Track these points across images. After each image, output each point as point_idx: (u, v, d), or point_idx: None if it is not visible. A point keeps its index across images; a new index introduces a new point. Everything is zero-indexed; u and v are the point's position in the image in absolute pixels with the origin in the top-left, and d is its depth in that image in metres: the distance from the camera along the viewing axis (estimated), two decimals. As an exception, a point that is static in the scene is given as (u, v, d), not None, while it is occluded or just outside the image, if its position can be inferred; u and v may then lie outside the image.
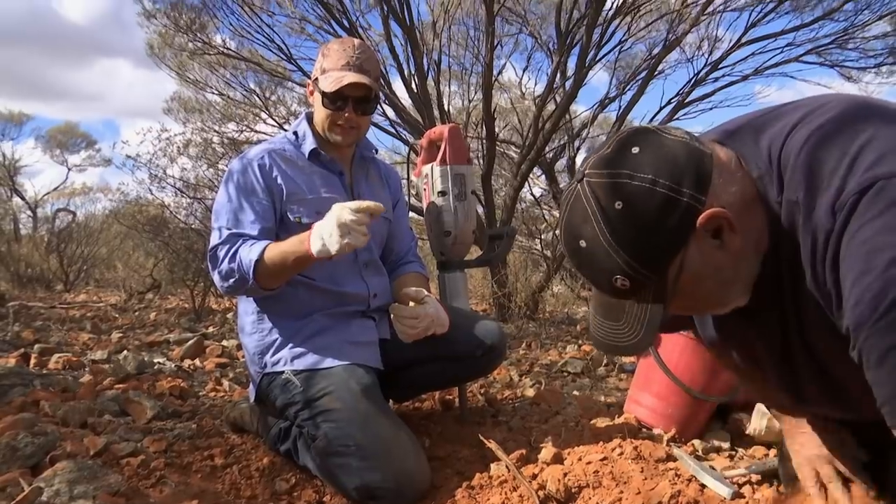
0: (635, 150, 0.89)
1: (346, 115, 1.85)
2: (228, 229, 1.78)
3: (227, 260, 1.73)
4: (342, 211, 1.57)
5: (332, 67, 1.83)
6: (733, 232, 0.89)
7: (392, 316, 1.80)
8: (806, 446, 1.27)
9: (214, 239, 1.79)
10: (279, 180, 1.84)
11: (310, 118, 1.98)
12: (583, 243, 0.90)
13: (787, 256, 0.93)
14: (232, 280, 1.73)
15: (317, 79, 1.88)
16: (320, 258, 1.61)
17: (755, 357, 1.11)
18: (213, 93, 7.17)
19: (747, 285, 0.97)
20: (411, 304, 1.80)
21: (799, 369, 1.04)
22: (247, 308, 1.90)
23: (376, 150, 2.13)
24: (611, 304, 0.96)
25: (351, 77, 1.80)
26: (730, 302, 0.99)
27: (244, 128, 7.34)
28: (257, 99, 7.06)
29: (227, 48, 6.61)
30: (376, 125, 6.24)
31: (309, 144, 1.91)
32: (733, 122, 1.04)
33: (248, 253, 1.70)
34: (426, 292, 1.85)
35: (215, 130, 7.47)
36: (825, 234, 0.87)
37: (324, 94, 1.84)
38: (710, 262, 0.91)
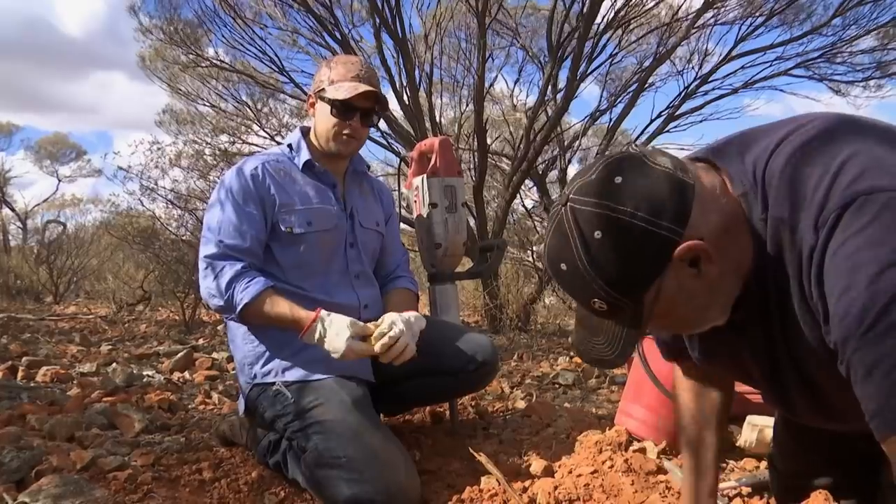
0: (618, 179, 0.90)
1: (353, 124, 1.86)
2: (222, 241, 1.78)
3: (220, 281, 1.76)
4: (350, 331, 1.66)
5: (340, 79, 1.86)
6: (710, 262, 0.90)
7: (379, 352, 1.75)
8: None
9: (209, 248, 1.79)
10: (272, 190, 1.84)
11: (304, 132, 1.98)
12: (563, 266, 0.92)
13: (772, 273, 0.94)
14: (217, 301, 1.79)
15: (321, 90, 1.88)
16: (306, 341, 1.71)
17: (745, 371, 1.11)
18: (205, 105, 7.17)
19: (725, 307, 0.98)
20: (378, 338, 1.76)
21: (788, 383, 1.05)
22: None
23: (369, 167, 2.14)
24: (591, 321, 0.98)
25: (364, 87, 1.83)
26: (706, 323, 1.01)
27: (236, 139, 7.34)
28: (249, 111, 7.07)
29: (220, 60, 6.62)
30: (369, 137, 6.25)
31: (303, 156, 1.91)
32: (721, 140, 1.05)
33: (243, 292, 1.74)
34: (387, 315, 1.79)
35: (207, 142, 7.47)
36: (809, 250, 0.88)
37: (334, 102, 1.85)
38: (686, 290, 0.92)
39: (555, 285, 7.01)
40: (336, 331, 1.65)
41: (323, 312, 1.69)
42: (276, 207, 1.83)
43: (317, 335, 1.66)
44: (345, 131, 1.87)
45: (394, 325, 1.70)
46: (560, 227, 0.92)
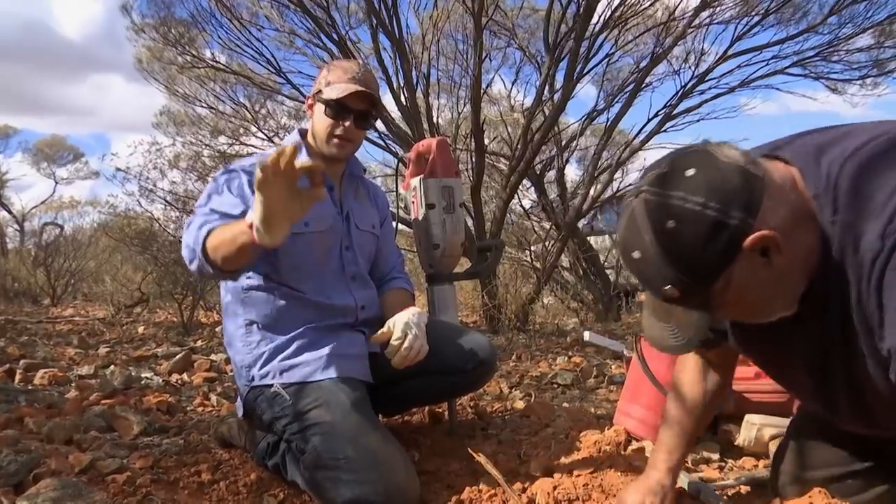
0: (690, 172, 0.94)
1: (346, 125, 1.86)
2: (212, 208, 1.73)
3: (191, 229, 1.67)
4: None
5: (337, 80, 1.86)
6: (779, 252, 0.93)
7: (390, 357, 1.76)
8: (626, 498, 1.44)
9: (194, 214, 1.77)
10: None
11: (302, 133, 1.99)
12: (636, 255, 0.97)
13: (836, 275, 0.97)
14: (187, 251, 1.67)
15: (319, 91, 1.89)
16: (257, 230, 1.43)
17: (789, 367, 1.15)
18: (203, 106, 7.18)
19: (792, 299, 1.02)
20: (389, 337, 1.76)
21: (835, 385, 1.07)
22: (234, 321, 1.89)
23: (365, 170, 2.14)
24: (662, 307, 1.02)
25: (356, 87, 1.82)
26: (774, 313, 1.04)
27: (234, 141, 7.34)
28: (247, 112, 7.07)
29: (217, 62, 6.62)
30: (366, 138, 6.25)
31: (302, 157, 1.91)
32: (798, 138, 1.08)
33: (203, 228, 1.64)
34: (391, 319, 1.79)
35: (205, 144, 7.47)
36: (872, 258, 0.91)
37: (328, 102, 1.85)
38: (756, 279, 0.95)
39: (554, 285, 7.04)
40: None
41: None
42: None
43: (252, 217, 1.44)
44: (337, 131, 1.87)
45: (407, 333, 1.72)
46: (633, 217, 0.96)
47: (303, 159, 1.54)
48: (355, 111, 1.86)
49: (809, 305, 1.02)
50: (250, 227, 1.43)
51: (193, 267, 1.66)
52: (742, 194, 0.92)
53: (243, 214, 1.67)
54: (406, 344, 1.71)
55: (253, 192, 1.72)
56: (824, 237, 0.97)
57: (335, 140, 1.88)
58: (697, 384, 1.44)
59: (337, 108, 1.85)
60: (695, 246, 0.92)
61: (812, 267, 0.99)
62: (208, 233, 1.61)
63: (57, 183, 25.72)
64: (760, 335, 1.15)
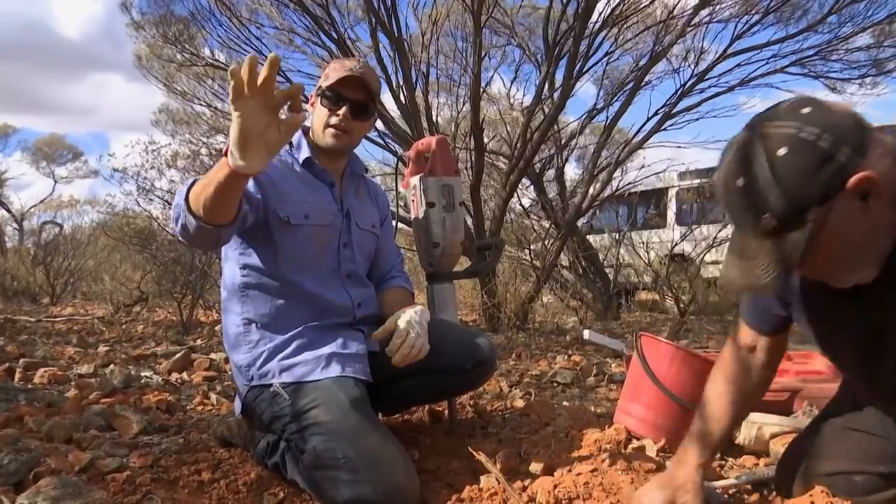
0: (806, 109, 0.97)
1: (342, 113, 1.86)
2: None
3: (179, 192, 1.61)
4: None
5: (335, 74, 1.86)
6: (879, 199, 0.96)
7: (391, 354, 1.76)
8: (652, 493, 1.40)
9: None
10: (273, 175, 1.82)
11: (305, 131, 1.99)
12: (740, 181, 0.98)
13: None
14: (174, 214, 1.59)
15: (318, 87, 1.90)
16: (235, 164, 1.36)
17: (838, 339, 1.17)
18: (201, 104, 7.17)
19: (877, 259, 1.03)
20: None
21: (885, 358, 1.08)
22: (233, 319, 1.89)
23: (367, 169, 2.14)
24: (749, 245, 1.03)
25: (350, 73, 1.82)
26: (857, 270, 1.05)
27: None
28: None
29: (216, 60, 6.61)
30: (365, 137, 6.24)
31: (304, 153, 1.91)
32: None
33: (186, 185, 1.57)
34: (393, 317, 1.80)
35: (203, 142, 7.46)
36: None
37: (323, 92, 1.86)
38: (851, 223, 0.98)
39: (553, 284, 7.03)
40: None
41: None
42: (275, 194, 1.82)
43: (231, 156, 1.37)
44: (332, 120, 1.86)
45: (409, 331, 1.72)
46: (744, 146, 0.99)
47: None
48: (351, 100, 1.86)
49: (884, 273, 1.04)
50: (227, 154, 1.36)
51: (178, 227, 1.57)
52: (853, 134, 0.95)
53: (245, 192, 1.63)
54: (407, 342, 1.71)
55: (264, 172, 1.70)
56: None
57: (331, 130, 1.87)
58: (739, 377, 1.43)
59: (332, 97, 1.85)
60: (803, 174, 0.94)
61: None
62: (192, 183, 1.54)
63: (56, 182, 25.75)
64: (817, 304, 1.17)
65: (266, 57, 1.27)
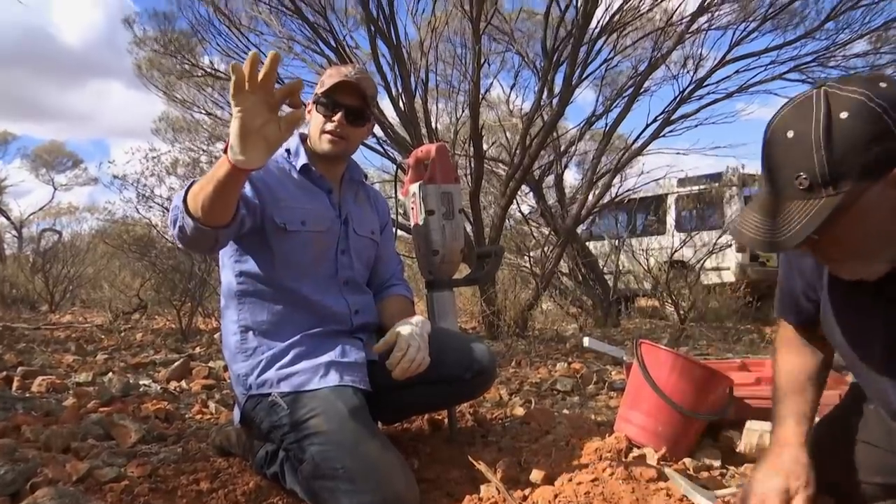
0: (883, 84, 0.94)
1: (337, 119, 1.86)
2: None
3: (177, 196, 1.61)
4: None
5: (330, 80, 1.87)
6: None
7: (391, 368, 1.76)
8: (763, 482, 1.29)
9: None
10: (270, 181, 1.82)
11: (303, 138, 1.99)
12: (790, 134, 0.96)
13: None
14: (172, 216, 1.59)
15: (316, 93, 1.90)
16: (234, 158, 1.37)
17: (866, 339, 1.14)
18: (201, 112, 7.18)
19: (891, 257, 1.01)
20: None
21: None
22: (230, 328, 1.88)
23: (366, 176, 2.13)
24: (773, 203, 1.00)
25: (344, 79, 1.83)
26: (869, 261, 1.03)
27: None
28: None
29: (216, 69, 6.62)
30: (364, 144, 6.25)
31: (301, 160, 1.92)
32: None
33: (184, 188, 1.58)
34: (395, 328, 1.79)
35: (203, 149, 7.47)
36: None
37: (318, 98, 1.86)
38: (881, 211, 0.95)
39: (553, 290, 7.03)
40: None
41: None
42: (272, 200, 1.82)
43: (231, 151, 1.38)
44: (328, 126, 1.87)
45: (410, 344, 1.71)
46: (806, 102, 0.97)
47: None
48: (346, 106, 1.86)
49: None
50: (226, 150, 1.38)
51: (175, 229, 1.57)
52: None
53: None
54: (408, 356, 1.70)
55: (260, 175, 1.73)
56: None
57: (327, 136, 1.88)
58: (808, 353, 1.40)
59: (327, 103, 1.86)
60: (857, 141, 0.92)
61: None
62: (191, 185, 1.54)
63: (56, 189, 25.77)
64: (848, 303, 1.15)
65: (267, 55, 1.28)
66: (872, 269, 1.04)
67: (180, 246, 1.63)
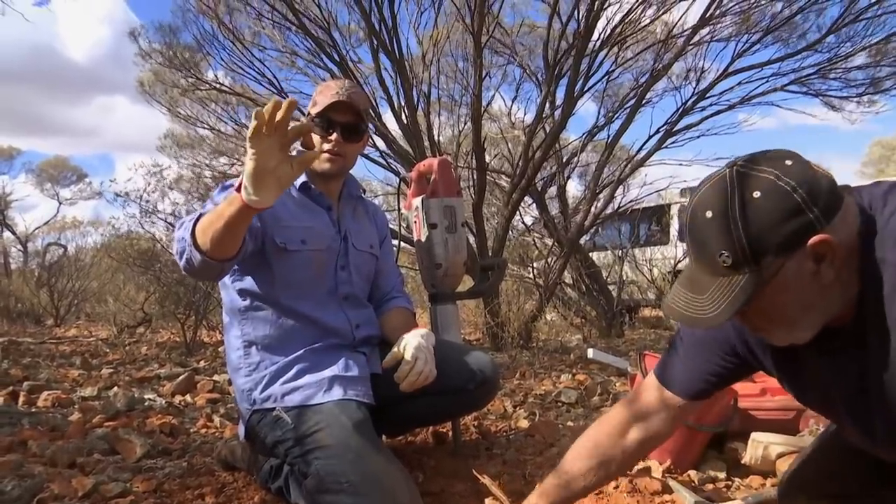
0: (789, 162, 0.98)
1: (334, 138, 1.87)
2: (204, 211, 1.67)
3: (182, 225, 1.65)
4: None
5: (322, 101, 1.88)
6: (832, 266, 0.97)
7: (399, 381, 1.77)
8: None
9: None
10: None
11: (302, 143, 2.00)
12: (709, 214, 1.00)
13: (873, 308, 1.00)
14: (178, 248, 1.63)
15: (308, 113, 1.91)
16: (246, 194, 1.41)
17: (826, 396, 1.16)
18: (205, 127, 7.22)
19: (820, 319, 1.04)
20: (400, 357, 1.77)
21: (874, 412, 1.08)
22: (234, 343, 1.89)
23: (364, 191, 2.14)
24: (700, 279, 1.04)
25: (337, 98, 1.84)
26: (795, 330, 1.06)
27: (235, 161, 7.38)
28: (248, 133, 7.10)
29: (220, 83, 6.67)
30: (367, 157, 6.29)
31: (300, 178, 1.92)
32: (877, 185, 1.12)
33: (191, 220, 1.61)
34: (401, 341, 1.81)
35: (206, 164, 7.51)
36: None
37: (313, 119, 1.88)
38: (800, 281, 0.99)
39: (557, 301, 7.03)
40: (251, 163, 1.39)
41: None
42: (271, 221, 1.83)
43: (245, 191, 1.41)
44: (325, 146, 1.88)
45: (417, 357, 1.73)
46: (721, 182, 1.00)
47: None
48: (341, 124, 1.87)
49: (845, 338, 1.05)
50: (239, 189, 1.42)
51: (182, 261, 1.61)
52: (826, 198, 0.96)
53: None
54: (415, 369, 1.71)
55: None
56: (864, 272, 1.00)
57: (325, 155, 1.89)
58: (618, 438, 1.36)
59: (322, 123, 1.87)
60: (769, 221, 0.95)
61: (849, 297, 1.02)
62: (199, 217, 1.58)
63: (60, 203, 25.89)
64: (796, 367, 1.17)
65: (286, 101, 1.32)
66: (797, 336, 1.07)
67: (185, 273, 1.67)
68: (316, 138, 1.89)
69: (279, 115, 1.32)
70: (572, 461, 1.39)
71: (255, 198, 1.40)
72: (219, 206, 1.51)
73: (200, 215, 1.57)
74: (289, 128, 1.36)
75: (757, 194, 0.96)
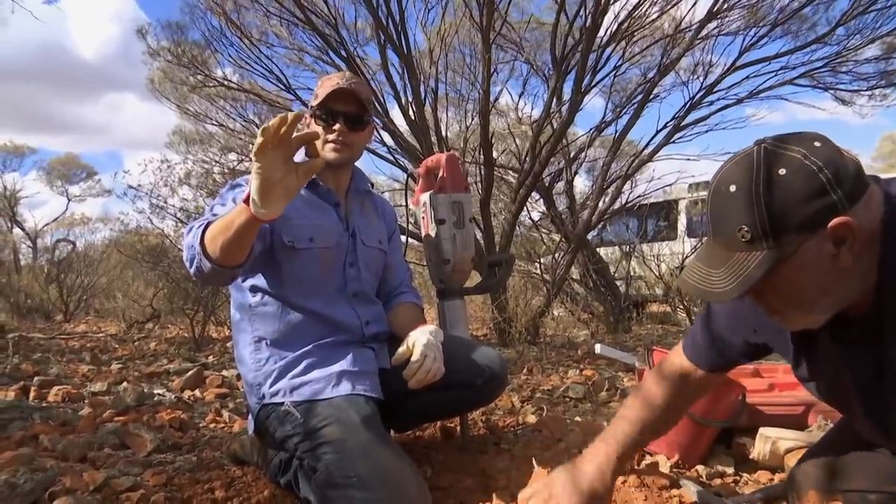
0: (817, 143, 0.99)
1: (337, 128, 1.87)
2: (214, 215, 1.69)
3: (191, 231, 1.65)
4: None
5: (323, 91, 1.88)
6: (851, 250, 0.98)
7: (407, 378, 1.77)
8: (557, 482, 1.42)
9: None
10: None
11: (307, 152, 1.99)
12: (732, 188, 1.00)
13: (890, 295, 1.01)
14: (187, 255, 1.64)
15: (312, 106, 1.92)
16: (255, 206, 1.43)
17: (839, 387, 1.17)
18: (213, 124, 7.24)
19: (835, 304, 1.05)
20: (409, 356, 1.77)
21: (887, 400, 1.09)
22: (243, 338, 1.90)
23: (372, 185, 2.14)
24: (717, 254, 1.04)
25: (338, 86, 1.84)
26: (811, 313, 1.06)
27: (244, 158, 7.40)
28: (257, 129, 7.11)
29: (228, 80, 6.69)
30: (375, 153, 6.29)
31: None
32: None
33: (200, 226, 1.62)
34: (410, 338, 1.81)
35: (216, 161, 7.53)
36: None
37: (315, 112, 1.88)
38: (818, 263, 0.99)
39: (564, 297, 7.02)
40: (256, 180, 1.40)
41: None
42: (280, 219, 1.84)
43: (253, 204, 1.43)
44: (329, 136, 1.88)
45: (426, 354, 1.72)
46: (747, 158, 1.01)
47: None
48: (344, 113, 1.87)
49: (864, 327, 1.05)
50: (247, 201, 1.43)
51: (192, 268, 1.64)
52: (852, 181, 0.97)
53: None
54: (424, 366, 1.71)
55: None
56: (883, 259, 1.00)
57: (330, 145, 1.89)
58: (677, 390, 1.46)
59: (325, 114, 1.87)
60: (793, 198, 0.96)
61: (868, 285, 1.02)
62: (207, 225, 1.59)
63: (70, 200, 26.02)
64: (816, 359, 1.18)
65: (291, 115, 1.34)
66: (811, 320, 1.07)
67: (195, 280, 1.70)
68: (319, 129, 1.89)
69: (284, 129, 1.33)
70: (639, 409, 1.48)
71: (264, 210, 1.42)
72: (227, 215, 1.53)
73: (209, 222, 1.59)
74: (293, 137, 1.36)
75: (783, 172, 0.97)
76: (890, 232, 0.99)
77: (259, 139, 1.33)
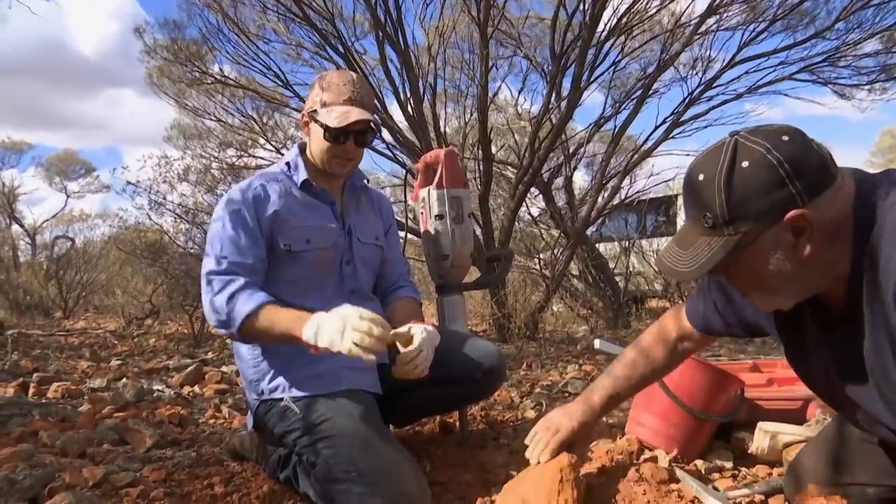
0: (786, 138, 1.03)
1: (347, 147, 1.87)
2: (225, 257, 1.77)
3: (221, 296, 1.73)
4: (352, 316, 1.55)
5: (333, 101, 1.84)
6: (810, 241, 1.02)
7: (396, 370, 1.75)
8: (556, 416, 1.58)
9: (211, 265, 1.79)
10: (272, 209, 1.84)
11: (302, 148, 1.98)
12: (701, 177, 1.07)
13: (863, 287, 1.04)
14: (217, 317, 1.74)
15: (314, 111, 1.88)
16: (307, 343, 1.59)
17: (821, 370, 1.21)
18: (212, 119, 7.23)
19: (801, 290, 1.10)
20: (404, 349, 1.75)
21: (864, 386, 1.12)
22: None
23: (367, 180, 2.13)
24: (687, 236, 1.11)
25: (356, 114, 1.81)
26: (776, 297, 1.12)
27: (242, 153, 7.39)
28: (255, 125, 7.11)
29: (226, 76, 6.67)
30: (373, 149, 6.28)
31: (301, 175, 1.91)
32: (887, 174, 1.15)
33: (245, 303, 1.70)
34: (409, 325, 1.77)
35: (214, 156, 7.52)
36: None
37: (327, 128, 1.84)
38: (777, 252, 1.04)
39: (563, 293, 7.03)
40: (337, 328, 1.55)
41: (318, 314, 1.61)
42: (276, 225, 1.84)
43: (312, 336, 1.57)
44: (337, 153, 1.88)
45: (422, 350, 1.67)
46: (719, 148, 1.07)
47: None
48: (354, 132, 1.86)
49: (841, 313, 1.09)
50: (301, 333, 1.59)
51: (220, 328, 1.77)
52: (812, 175, 1.00)
53: (262, 261, 1.82)
54: (417, 360, 1.66)
55: (264, 210, 1.83)
56: (856, 251, 1.03)
57: (337, 160, 1.89)
58: (667, 345, 1.55)
59: (336, 134, 1.85)
60: (750, 190, 1.01)
61: (837, 274, 1.06)
62: (249, 314, 1.70)
63: (69, 197, 25.97)
64: (795, 341, 1.23)
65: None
66: (778, 302, 1.14)
67: (208, 321, 1.89)
68: (326, 143, 1.87)
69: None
70: (613, 369, 1.61)
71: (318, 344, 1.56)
72: (280, 325, 1.67)
73: (251, 312, 1.71)
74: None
75: (745, 164, 1.01)
76: (862, 227, 1.03)
77: (356, 350, 1.50)
